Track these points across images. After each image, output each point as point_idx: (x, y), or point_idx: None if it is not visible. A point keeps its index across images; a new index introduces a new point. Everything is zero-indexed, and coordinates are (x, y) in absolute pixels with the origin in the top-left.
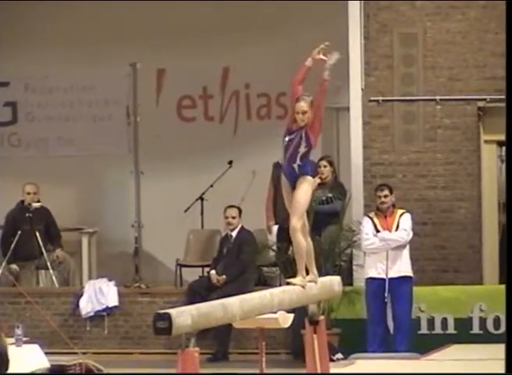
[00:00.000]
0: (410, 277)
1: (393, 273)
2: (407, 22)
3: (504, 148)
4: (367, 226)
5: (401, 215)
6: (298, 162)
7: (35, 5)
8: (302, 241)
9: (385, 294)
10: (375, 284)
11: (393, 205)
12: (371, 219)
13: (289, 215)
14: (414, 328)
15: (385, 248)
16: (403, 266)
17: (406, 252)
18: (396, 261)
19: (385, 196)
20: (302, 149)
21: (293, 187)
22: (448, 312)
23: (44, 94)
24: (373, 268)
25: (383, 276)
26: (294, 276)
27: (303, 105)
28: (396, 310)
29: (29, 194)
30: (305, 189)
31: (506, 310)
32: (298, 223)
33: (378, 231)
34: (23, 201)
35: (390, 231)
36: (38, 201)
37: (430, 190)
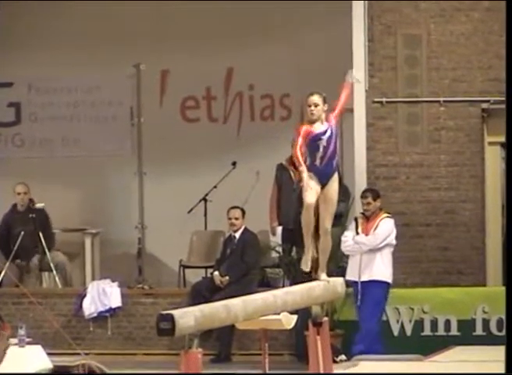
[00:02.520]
0: (381, 282)
1: (365, 277)
2: (411, 23)
3: None
4: (350, 228)
5: (382, 219)
6: (336, 157)
7: (39, 5)
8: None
9: (358, 297)
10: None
11: (380, 209)
12: (356, 221)
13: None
14: (417, 330)
15: (358, 251)
16: (375, 270)
17: (379, 256)
18: (368, 265)
19: (368, 203)
20: (337, 143)
21: (324, 184)
22: (451, 313)
23: (48, 94)
24: (350, 271)
25: (357, 279)
26: (298, 277)
27: (315, 98)
28: (361, 312)
29: (19, 194)
30: (337, 186)
31: (506, 311)
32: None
33: (358, 234)
34: (16, 204)
35: (368, 235)
36: (31, 201)
37: (434, 191)
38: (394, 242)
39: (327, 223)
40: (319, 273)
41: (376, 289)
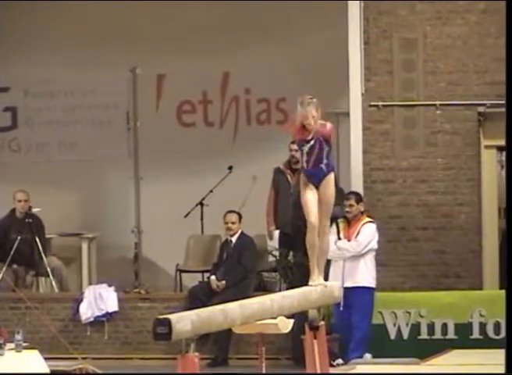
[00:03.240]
0: (366, 288)
1: (349, 283)
2: (407, 26)
3: (504, 153)
4: (331, 232)
5: (364, 224)
6: (325, 160)
7: (34, 9)
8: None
9: (341, 303)
10: None
11: (362, 213)
12: (337, 226)
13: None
14: (414, 333)
15: (341, 257)
16: (359, 277)
17: (363, 262)
18: (351, 270)
19: (351, 205)
20: (325, 149)
21: (317, 185)
22: (448, 317)
23: (45, 99)
24: (332, 276)
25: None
26: (295, 281)
27: (310, 109)
28: (349, 319)
29: (20, 201)
30: (333, 188)
31: (506, 312)
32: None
33: (340, 239)
34: (14, 209)
35: (350, 240)
36: (30, 208)
37: (430, 195)
38: (376, 247)
39: (324, 223)
40: (317, 276)
41: (362, 295)
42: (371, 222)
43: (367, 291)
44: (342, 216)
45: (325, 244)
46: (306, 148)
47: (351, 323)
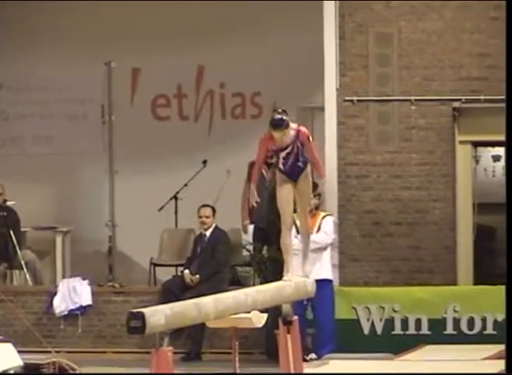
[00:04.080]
0: (329, 281)
1: (312, 276)
2: (382, 21)
3: (478, 149)
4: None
5: (323, 217)
6: (301, 159)
7: (9, 4)
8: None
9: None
10: None
11: (317, 208)
12: (294, 220)
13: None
14: (388, 328)
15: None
16: (322, 269)
17: (326, 255)
18: (315, 264)
19: None
20: (301, 151)
21: (295, 180)
22: (422, 312)
23: (19, 92)
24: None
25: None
26: (268, 275)
27: (279, 132)
28: (318, 314)
29: None
30: (310, 180)
31: (506, 310)
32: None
33: (298, 233)
34: None
35: (311, 233)
36: (5, 201)
37: (405, 190)
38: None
39: (303, 216)
40: (291, 273)
41: (325, 288)
42: (330, 215)
43: (329, 283)
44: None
45: (305, 236)
46: (283, 154)
47: (317, 319)
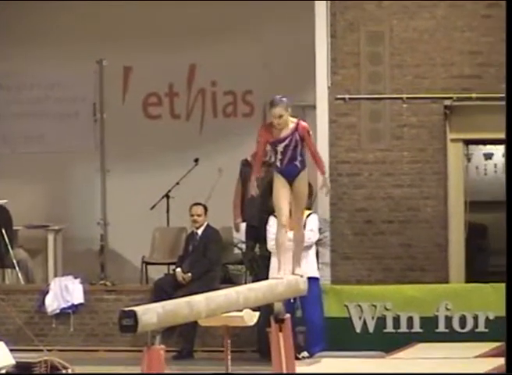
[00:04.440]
0: (316, 278)
1: None
2: (373, 20)
3: (470, 147)
4: (273, 225)
5: (308, 216)
6: (299, 158)
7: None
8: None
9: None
10: None
11: (308, 208)
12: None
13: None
14: (380, 327)
15: (290, 249)
16: (309, 267)
17: (312, 253)
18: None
19: None
20: (299, 147)
21: (291, 181)
22: (414, 310)
23: (10, 91)
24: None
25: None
26: (260, 273)
27: (278, 110)
28: (307, 313)
29: None
30: (306, 183)
31: (506, 309)
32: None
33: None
34: None
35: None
36: None
37: (396, 188)
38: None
39: (298, 217)
40: (293, 267)
41: (312, 286)
42: (314, 213)
43: (316, 281)
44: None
45: (300, 236)
46: (280, 148)
47: (306, 318)
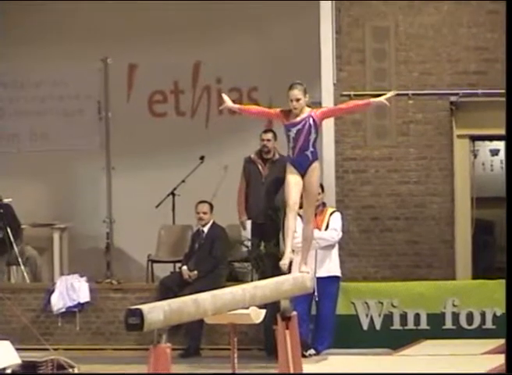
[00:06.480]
0: (338, 277)
1: (322, 273)
2: (379, 15)
3: (476, 143)
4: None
5: (331, 214)
6: (311, 148)
7: (2, 1)
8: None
9: (315, 293)
10: None
11: (324, 204)
12: (301, 217)
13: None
14: (386, 324)
15: (314, 247)
16: (332, 266)
17: (335, 252)
18: (324, 260)
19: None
20: (313, 136)
21: (303, 174)
22: (421, 307)
23: (15, 89)
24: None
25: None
26: (266, 271)
27: (296, 92)
28: (322, 309)
29: None
30: (318, 176)
31: (506, 309)
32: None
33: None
34: None
35: (320, 230)
36: (0, 199)
37: (402, 185)
38: None
39: (309, 212)
40: (300, 264)
41: (334, 285)
42: (337, 211)
43: (338, 280)
44: None
45: (309, 233)
46: (292, 133)
47: (319, 314)
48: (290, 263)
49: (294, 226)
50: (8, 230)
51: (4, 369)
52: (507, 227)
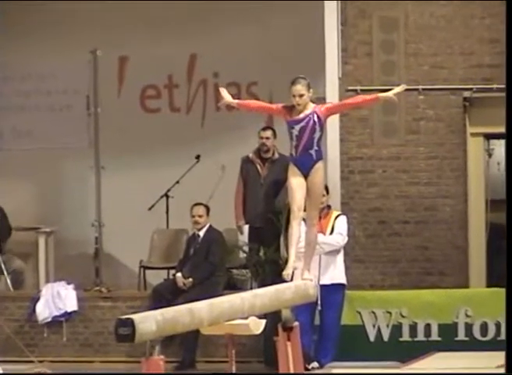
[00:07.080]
0: (343, 285)
1: (326, 280)
2: (387, 5)
3: (491, 141)
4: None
5: (336, 217)
6: (315, 147)
7: None
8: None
9: (318, 302)
10: None
11: (328, 207)
12: (304, 220)
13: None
14: (395, 335)
15: (317, 252)
16: (336, 273)
17: (340, 258)
18: (329, 267)
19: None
20: (317, 134)
21: (306, 174)
22: (432, 317)
23: None
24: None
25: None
26: (266, 278)
27: (299, 87)
28: (325, 319)
29: None
30: (322, 176)
31: (506, 313)
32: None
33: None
34: None
35: (324, 234)
36: None
37: (412, 186)
38: None
39: (312, 215)
40: (303, 270)
41: (338, 293)
42: (342, 214)
43: (343, 288)
44: None
45: (312, 237)
46: (295, 131)
47: (323, 323)
48: (293, 271)
49: (299, 234)
50: None
51: None
52: (507, 227)
